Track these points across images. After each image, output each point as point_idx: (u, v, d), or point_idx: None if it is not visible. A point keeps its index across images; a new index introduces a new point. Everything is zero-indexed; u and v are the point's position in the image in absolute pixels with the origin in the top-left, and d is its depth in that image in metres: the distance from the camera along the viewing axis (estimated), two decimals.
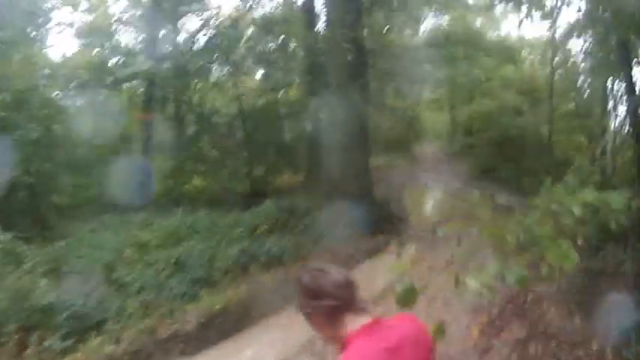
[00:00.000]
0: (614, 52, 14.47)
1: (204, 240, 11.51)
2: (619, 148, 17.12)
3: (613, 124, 19.48)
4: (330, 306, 2.11)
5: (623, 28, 12.27)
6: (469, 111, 30.65)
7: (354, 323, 2.12)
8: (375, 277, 10.48)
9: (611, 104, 19.42)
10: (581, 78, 23.59)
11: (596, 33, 15.08)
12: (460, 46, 19.15)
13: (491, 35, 26.42)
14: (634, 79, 14.75)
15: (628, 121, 15.75)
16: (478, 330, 8.13)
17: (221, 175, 18.07)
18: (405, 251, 12.61)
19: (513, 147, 25.25)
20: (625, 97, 16.12)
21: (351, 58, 14.73)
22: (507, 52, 20.55)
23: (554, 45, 22.97)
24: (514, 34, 29.34)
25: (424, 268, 11.00)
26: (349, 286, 2.20)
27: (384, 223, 14.44)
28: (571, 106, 25.66)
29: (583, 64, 22.59)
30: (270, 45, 18.70)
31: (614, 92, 17.68)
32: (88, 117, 16.46)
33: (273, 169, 19.34)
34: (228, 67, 19.23)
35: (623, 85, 16.01)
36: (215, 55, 18.59)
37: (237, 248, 10.85)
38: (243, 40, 18.52)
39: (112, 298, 8.42)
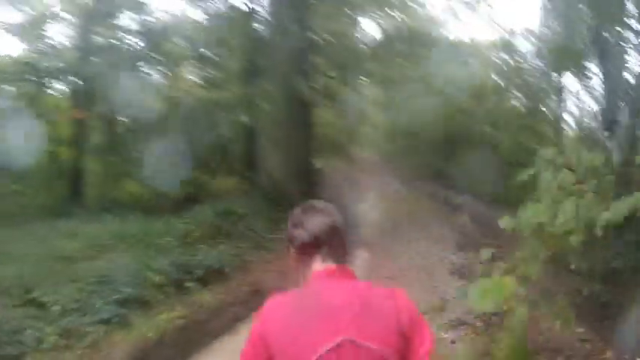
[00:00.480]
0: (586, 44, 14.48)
1: (133, 250, 9.97)
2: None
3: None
4: (303, 241, 2.03)
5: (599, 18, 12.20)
6: (411, 111, 30.14)
7: (318, 266, 2.01)
8: None
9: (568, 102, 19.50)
10: (531, 76, 23.23)
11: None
12: (405, 44, 18.30)
13: (442, 34, 25.82)
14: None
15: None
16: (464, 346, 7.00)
17: (154, 179, 16.74)
18: (358, 259, 11.74)
19: (459, 148, 24.84)
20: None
21: (296, 51, 13.67)
22: (458, 51, 19.93)
23: (504, 43, 23.15)
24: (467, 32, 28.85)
25: (383, 278, 10.03)
26: (332, 230, 2.05)
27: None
28: (519, 105, 25.36)
29: (532, 63, 22.39)
30: (208, 40, 17.41)
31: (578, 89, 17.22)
32: (12, 118, 14.97)
33: (209, 171, 18.10)
34: (164, 64, 17.85)
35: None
36: (150, 52, 17.22)
37: (168, 260, 9.32)
38: (180, 36, 17.15)
39: (29, 326, 6.93)
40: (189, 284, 8.70)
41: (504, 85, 24.13)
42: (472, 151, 23.61)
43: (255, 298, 8.67)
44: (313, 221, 2.06)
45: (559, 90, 19.63)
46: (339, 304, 1.86)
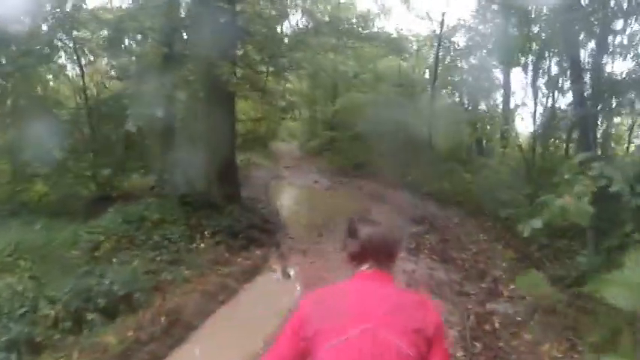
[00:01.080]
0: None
1: (33, 269, 8.13)
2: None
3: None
4: (354, 249, 2.27)
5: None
6: (335, 105, 28.87)
7: (362, 268, 2.24)
8: (263, 317, 7.77)
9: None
10: (469, 71, 22.37)
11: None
12: (333, 36, 16.88)
13: (378, 26, 24.56)
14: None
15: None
16: None
17: (65, 179, 14.55)
18: (290, 266, 10.40)
19: (388, 142, 23.68)
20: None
21: (220, 38, 11.81)
22: (393, 45, 18.74)
23: (442, 36, 22.25)
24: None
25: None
26: (383, 241, 2.27)
27: (258, 232, 11.84)
28: (455, 99, 24.46)
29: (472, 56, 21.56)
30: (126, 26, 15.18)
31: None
32: None
33: (122, 169, 15.97)
34: (75, 53, 15.61)
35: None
36: (59, 41, 14.94)
37: (69, 284, 7.26)
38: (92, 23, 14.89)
39: None
40: (91, 316, 6.80)
41: (440, 81, 23.02)
42: (404, 146, 22.80)
43: (175, 330, 7.12)
44: (370, 231, 2.28)
45: (503, 85, 18.59)
46: (373, 300, 2.08)
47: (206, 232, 10.65)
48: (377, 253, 2.24)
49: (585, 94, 12.64)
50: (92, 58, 15.88)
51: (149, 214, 11.08)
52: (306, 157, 29.52)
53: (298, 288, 9.42)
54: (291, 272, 10.15)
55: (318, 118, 34.58)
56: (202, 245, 10.30)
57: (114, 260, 8.93)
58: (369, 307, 2.02)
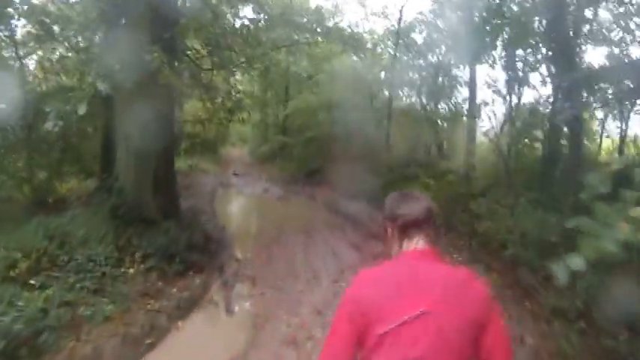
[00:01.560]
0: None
1: None
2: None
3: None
4: (405, 221, 2.20)
5: None
6: (287, 108, 27.17)
7: (411, 246, 2.18)
8: None
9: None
10: (428, 68, 20.97)
11: None
12: (286, 31, 15.19)
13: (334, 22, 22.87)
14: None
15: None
16: None
17: None
18: (236, 299, 8.48)
19: (343, 147, 22.12)
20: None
21: (160, 28, 9.75)
22: (349, 41, 17.09)
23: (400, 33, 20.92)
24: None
25: (281, 334, 6.90)
26: (429, 215, 2.23)
27: (199, 253, 9.83)
28: (414, 99, 22.94)
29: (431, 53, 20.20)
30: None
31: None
32: None
33: (59, 172, 13.75)
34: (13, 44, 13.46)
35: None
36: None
37: None
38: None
39: None
40: None
41: (397, 81, 21.52)
42: (360, 152, 21.25)
43: None
44: (414, 205, 2.24)
45: (469, 83, 17.16)
46: (426, 280, 2.00)
47: (137, 255, 8.73)
48: (427, 228, 2.20)
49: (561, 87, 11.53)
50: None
51: (74, 229, 9.01)
52: (257, 163, 27.86)
53: (244, 331, 7.27)
54: (236, 307, 8.22)
55: (270, 122, 33.01)
56: (131, 271, 8.39)
57: (32, 283, 7.06)
58: (423, 288, 1.96)
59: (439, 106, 21.61)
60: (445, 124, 20.56)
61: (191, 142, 29.52)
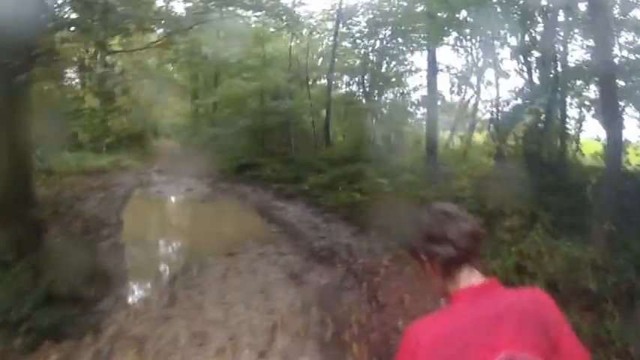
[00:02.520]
0: None
1: None
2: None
3: None
4: (448, 255, 1.68)
5: None
6: (216, 96, 23.87)
7: (466, 280, 1.69)
8: None
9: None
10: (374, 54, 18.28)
11: None
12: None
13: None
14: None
15: None
16: None
17: None
18: None
19: (279, 137, 19.09)
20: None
21: None
22: (285, 17, 14.01)
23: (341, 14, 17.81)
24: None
25: None
26: (475, 237, 1.72)
27: (66, 305, 6.19)
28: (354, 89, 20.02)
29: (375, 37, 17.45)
30: None
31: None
32: None
33: None
34: None
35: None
36: None
37: None
38: None
39: None
40: None
41: (338, 67, 18.70)
42: (296, 144, 18.34)
43: None
44: (455, 231, 1.70)
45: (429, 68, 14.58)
46: (494, 318, 1.60)
47: None
48: (475, 254, 1.73)
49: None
50: None
51: None
52: (187, 157, 24.42)
53: None
54: None
55: (201, 112, 29.53)
56: None
57: None
58: (495, 328, 1.56)
59: (384, 96, 18.91)
60: (393, 116, 17.78)
61: (116, 137, 26.14)
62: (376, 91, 18.85)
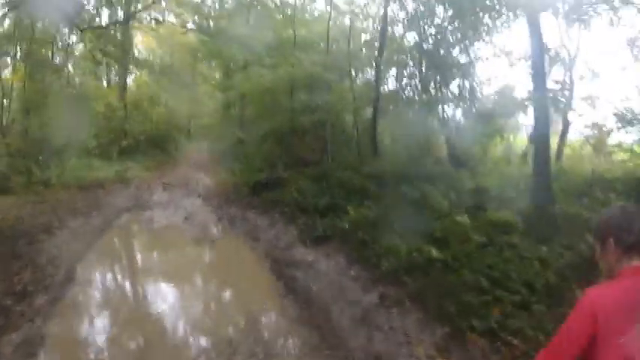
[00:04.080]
0: None
1: None
2: None
3: None
4: (631, 243, 2.02)
5: None
6: (233, 90, 18.70)
7: (632, 263, 2.02)
8: None
9: None
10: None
11: None
12: None
13: None
14: None
15: None
16: None
17: None
18: None
19: (311, 142, 14.00)
20: None
21: None
22: None
23: None
24: None
25: None
26: None
27: None
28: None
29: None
30: None
31: None
32: None
33: None
34: None
35: None
36: None
37: None
38: None
39: None
40: None
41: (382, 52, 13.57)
42: (333, 153, 13.26)
43: None
44: (638, 224, 2.04)
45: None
46: None
47: None
48: None
49: None
50: None
51: None
52: (205, 165, 19.36)
53: None
54: None
55: (232, 111, 24.35)
56: None
57: None
58: None
59: (445, 90, 13.65)
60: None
61: (133, 139, 21.37)
62: (436, 85, 13.54)
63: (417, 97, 13.73)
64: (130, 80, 24.75)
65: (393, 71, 15.16)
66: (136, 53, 27.11)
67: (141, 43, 28.62)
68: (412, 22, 13.40)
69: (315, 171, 12.35)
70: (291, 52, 13.95)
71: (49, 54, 18.97)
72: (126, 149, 20.26)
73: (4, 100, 16.95)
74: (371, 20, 16.13)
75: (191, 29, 20.32)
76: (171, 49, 27.50)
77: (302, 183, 11.62)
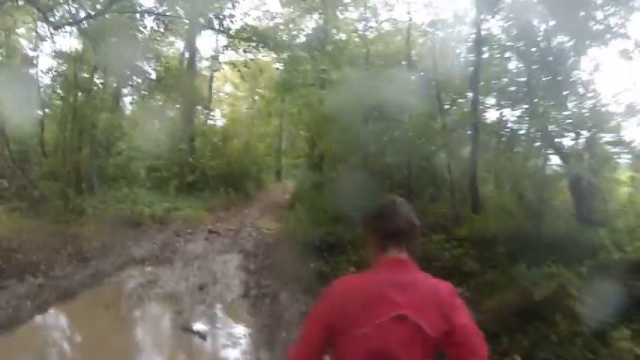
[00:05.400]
0: None
1: None
2: None
3: None
4: (378, 229, 1.97)
5: None
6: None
7: (389, 255, 1.92)
8: None
9: None
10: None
11: None
12: None
13: None
14: None
15: None
16: None
17: None
18: None
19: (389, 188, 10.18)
20: None
21: None
22: None
23: None
24: None
25: None
26: (409, 225, 1.96)
27: None
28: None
29: None
30: None
31: None
32: None
33: None
34: None
35: None
36: None
37: None
38: None
39: None
40: None
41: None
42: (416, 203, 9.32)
43: None
44: (396, 218, 1.96)
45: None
46: (400, 287, 1.81)
47: None
48: (402, 240, 1.93)
49: None
50: None
51: None
52: (278, 210, 15.97)
53: None
54: None
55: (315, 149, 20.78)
56: None
57: None
58: (396, 295, 1.78)
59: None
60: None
61: (203, 175, 18.65)
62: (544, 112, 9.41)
63: (526, 129, 9.78)
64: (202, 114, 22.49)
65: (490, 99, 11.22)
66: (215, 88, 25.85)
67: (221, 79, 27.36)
68: (512, 39, 9.54)
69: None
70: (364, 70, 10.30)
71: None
72: (191, 184, 17.88)
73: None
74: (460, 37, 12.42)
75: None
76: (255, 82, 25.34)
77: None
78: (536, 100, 8.92)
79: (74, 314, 6.49)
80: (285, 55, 14.45)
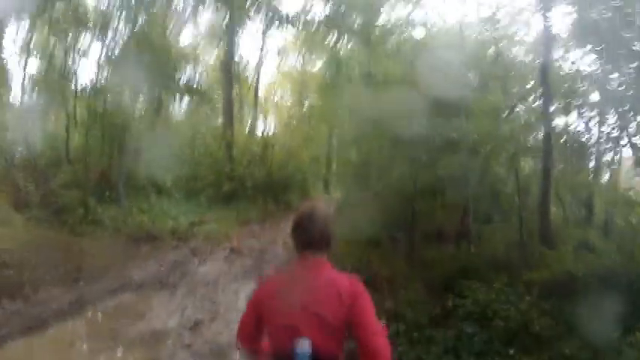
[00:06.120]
0: None
1: None
2: None
3: None
4: (295, 238, 2.15)
5: None
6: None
7: (304, 256, 2.12)
8: None
9: None
10: None
11: None
12: None
13: None
14: None
15: None
16: None
17: None
18: None
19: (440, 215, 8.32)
20: None
21: None
22: None
23: None
24: None
25: None
26: (321, 236, 2.11)
27: None
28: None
29: None
30: None
31: None
32: None
33: None
34: None
35: None
36: None
37: None
38: None
39: None
40: None
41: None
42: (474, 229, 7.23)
43: None
44: (310, 228, 2.10)
45: None
46: (310, 284, 2.00)
47: None
48: (315, 247, 2.09)
49: None
50: None
51: None
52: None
53: None
54: None
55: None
56: None
57: None
58: (308, 291, 2.00)
59: None
60: None
61: (241, 185, 17.13)
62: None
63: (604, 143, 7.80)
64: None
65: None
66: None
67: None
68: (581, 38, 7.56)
69: (442, 270, 6.69)
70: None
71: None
72: (228, 194, 16.33)
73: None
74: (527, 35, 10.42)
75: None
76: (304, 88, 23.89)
77: (412, 294, 6.01)
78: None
79: (29, 354, 5.26)
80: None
